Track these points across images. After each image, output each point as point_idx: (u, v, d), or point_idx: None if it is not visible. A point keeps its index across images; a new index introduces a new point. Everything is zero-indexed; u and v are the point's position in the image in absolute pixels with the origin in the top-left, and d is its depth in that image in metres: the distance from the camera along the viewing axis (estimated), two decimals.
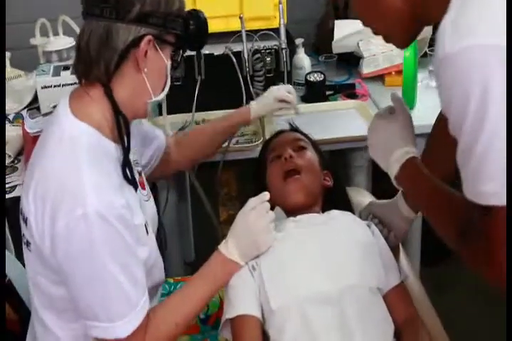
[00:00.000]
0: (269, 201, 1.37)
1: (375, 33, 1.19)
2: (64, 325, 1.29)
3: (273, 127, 2.00)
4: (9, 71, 2.36)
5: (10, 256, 1.59)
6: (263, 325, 1.32)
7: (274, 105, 1.78)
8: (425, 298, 1.46)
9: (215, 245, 1.38)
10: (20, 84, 2.25)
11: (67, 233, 1.14)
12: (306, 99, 2.24)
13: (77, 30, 2.23)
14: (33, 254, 1.25)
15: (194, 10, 1.35)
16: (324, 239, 1.41)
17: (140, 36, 1.21)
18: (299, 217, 1.46)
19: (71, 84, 2.08)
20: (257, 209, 1.35)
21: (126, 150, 1.28)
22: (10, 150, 1.90)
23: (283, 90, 1.79)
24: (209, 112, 2.09)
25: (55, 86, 2.09)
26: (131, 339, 1.20)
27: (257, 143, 1.92)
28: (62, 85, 2.08)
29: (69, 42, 2.29)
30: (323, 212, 1.51)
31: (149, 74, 1.25)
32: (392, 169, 1.26)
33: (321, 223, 1.45)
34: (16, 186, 1.81)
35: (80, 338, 1.28)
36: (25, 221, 1.23)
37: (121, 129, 1.26)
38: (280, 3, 2.14)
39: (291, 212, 1.49)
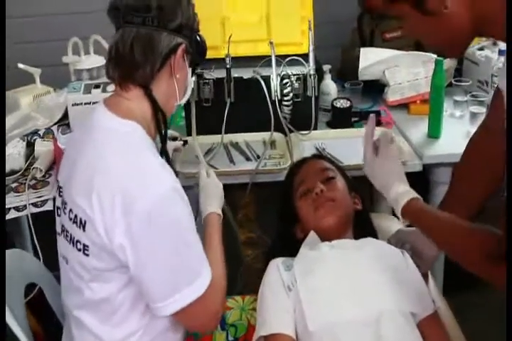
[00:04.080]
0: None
1: (430, 48, 1.31)
2: (108, 329, 1.33)
3: (299, 151, 2.02)
4: (39, 88, 2.40)
5: (40, 265, 1.61)
6: None
7: None
8: (456, 327, 1.47)
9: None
10: (51, 101, 2.28)
11: (152, 213, 1.21)
12: (331, 124, 2.27)
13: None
14: (92, 256, 1.29)
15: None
16: (359, 263, 1.43)
17: (178, 44, 1.34)
18: (334, 241, 1.48)
19: None
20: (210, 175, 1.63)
21: (164, 141, 1.40)
22: (41, 164, 1.92)
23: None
24: (238, 134, 2.12)
25: (85, 103, 2.13)
26: (206, 295, 1.27)
27: (284, 166, 1.94)
28: (93, 103, 2.11)
29: (99, 61, 2.33)
30: (354, 238, 1.53)
31: (178, 79, 1.38)
32: (397, 206, 1.34)
33: (356, 248, 1.47)
34: (47, 200, 1.84)
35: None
36: (83, 226, 1.27)
37: (160, 124, 1.37)
38: (310, 30, 2.18)
39: (325, 237, 1.51)
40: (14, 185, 1.90)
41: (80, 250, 1.31)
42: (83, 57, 2.33)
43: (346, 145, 2.10)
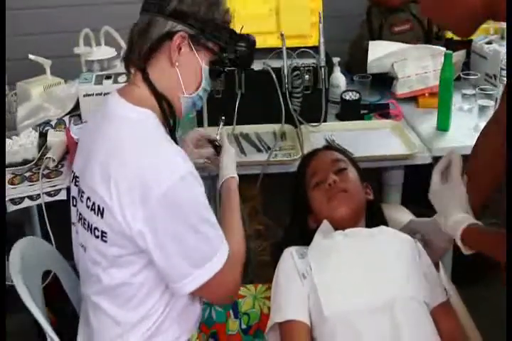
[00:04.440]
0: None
1: (441, 27, 1.31)
2: (124, 314, 1.36)
3: (310, 143, 2.04)
4: (50, 79, 2.41)
5: (55, 252, 1.63)
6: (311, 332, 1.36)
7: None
8: (467, 316, 1.49)
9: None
10: (62, 92, 2.29)
11: (169, 198, 1.23)
12: (340, 117, 2.29)
13: (119, 40, 2.30)
14: (111, 242, 1.31)
15: (248, 34, 1.46)
16: (373, 250, 1.45)
17: (175, 31, 1.33)
18: (347, 230, 1.50)
19: None
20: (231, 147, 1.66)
21: (172, 131, 1.40)
22: (54, 154, 1.94)
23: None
24: (248, 126, 2.14)
25: (96, 94, 2.14)
26: (223, 269, 1.30)
27: (295, 157, 1.96)
28: (104, 94, 2.13)
29: (110, 52, 2.34)
30: (367, 227, 1.55)
31: (182, 70, 1.38)
32: (455, 234, 1.33)
33: (369, 236, 1.49)
34: (60, 190, 1.86)
35: (136, 325, 1.37)
36: (101, 213, 1.29)
37: (165, 113, 1.38)
38: (320, 22, 2.19)
39: (339, 226, 1.53)
40: (28, 174, 1.91)
41: (97, 237, 1.33)
42: (94, 48, 2.33)
43: (355, 137, 2.12)
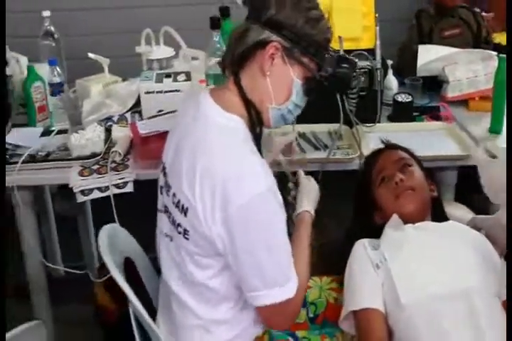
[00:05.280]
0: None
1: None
2: (203, 310, 1.41)
3: (366, 143, 2.09)
4: (108, 77, 2.49)
5: (133, 241, 1.69)
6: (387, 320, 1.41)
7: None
8: None
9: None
10: (123, 89, 2.36)
11: (247, 210, 1.26)
12: (392, 118, 2.34)
13: (179, 41, 2.37)
14: (192, 241, 1.35)
15: (349, 56, 1.49)
16: (445, 243, 1.50)
17: (268, 41, 1.34)
18: (417, 224, 1.55)
19: (172, 91, 2.21)
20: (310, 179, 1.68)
21: (257, 139, 1.41)
22: (119, 148, 2.01)
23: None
24: (304, 125, 2.19)
25: (157, 92, 2.21)
26: (296, 295, 1.34)
27: (354, 156, 2.02)
28: (165, 92, 2.20)
29: (169, 52, 2.41)
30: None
31: (273, 80, 1.37)
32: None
33: (439, 229, 1.54)
34: (127, 182, 1.93)
35: (217, 323, 1.41)
36: (185, 212, 1.34)
37: (252, 120, 1.38)
38: (377, 25, 2.25)
39: (407, 221, 1.58)
40: (95, 167, 1.98)
41: (180, 233, 1.38)
42: (154, 47, 2.41)
43: (410, 138, 2.16)
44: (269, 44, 1.34)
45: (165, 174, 1.47)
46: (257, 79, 1.37)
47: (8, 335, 1.30)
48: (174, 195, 1.38)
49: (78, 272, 2.11)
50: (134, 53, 2.43)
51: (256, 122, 1.40)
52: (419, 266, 1.46)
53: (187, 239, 1.36)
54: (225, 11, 2.34)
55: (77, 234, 2.72)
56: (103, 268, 2.02)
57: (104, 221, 1.67)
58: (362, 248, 1.54)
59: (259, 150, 1.41)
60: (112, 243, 1.51)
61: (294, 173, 1.73)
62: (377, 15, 2.29)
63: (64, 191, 2.01)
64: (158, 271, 1.61)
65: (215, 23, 2.20)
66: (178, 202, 1.36)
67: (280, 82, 1.38)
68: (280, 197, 1.34)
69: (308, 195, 1.63)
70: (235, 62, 1.38)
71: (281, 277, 1.33)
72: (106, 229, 1.52)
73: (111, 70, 2.49)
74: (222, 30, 2.22)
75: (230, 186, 1.27)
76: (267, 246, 1.30)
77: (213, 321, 1.42)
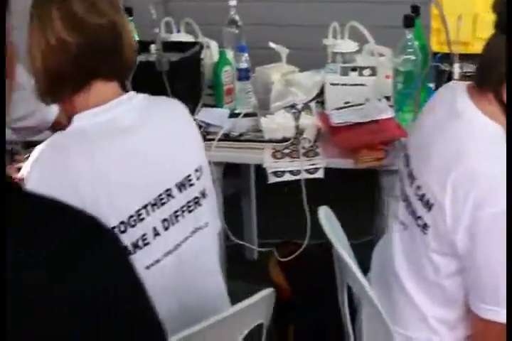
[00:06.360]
0: None
1: None
2: (433, 308, 1.41)
3: None
4: (285, 67, 2.56)
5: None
6: None
7: None
8: None
9: None
10: (305, 79, 2.43)
11: (489, 224, 1.24)
12: None
13: (367, 36, 2.42)
14: (431, 237, 1.34)
15: None
16: None
17: None
18: None
19: (357, 85, 2.26)
20: None
21: None
22: (309, 135, 2.08)
23: None
24: None
25: (342, 84, 2.27)
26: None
27: None
28: (350, 85, 2.26)
29: (353, 46, 2.46)
30: None
31: None
32: None
33: None
34: (318, 168, 1.99)
35: (442, 321, 1.41)
36: (429, 207, 1.33)
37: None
38: None
39: None
40: (286, 151, 2.06)
41: (419, 226, 1.37)
42: (339, 41, 2.47)
43: None
44: None
45: (408, 163, 1.45)
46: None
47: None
48: (418, 187, 1.37)
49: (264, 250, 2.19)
50: (312, 46, 2.50)
51: None
52: None
53: (425, 233, 1.35)
54: (416, 10, 2.36)
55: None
56: (284, 246, 2.11)
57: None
58: None
59: None
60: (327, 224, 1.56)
61: None
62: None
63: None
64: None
65: (409, 21, 2.22)
66: (423, 195, 1.35)
67: None
68: None
69: None
70: (495, 81, 1.28)
71: (502, 298, 1.25)
72: (323, 210, 1.56)
73: (291, 60, 2.57)
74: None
75: (486, 194, 1.25)
76: (502, 264, 1.23)
77: (434, 318, 1.41)
